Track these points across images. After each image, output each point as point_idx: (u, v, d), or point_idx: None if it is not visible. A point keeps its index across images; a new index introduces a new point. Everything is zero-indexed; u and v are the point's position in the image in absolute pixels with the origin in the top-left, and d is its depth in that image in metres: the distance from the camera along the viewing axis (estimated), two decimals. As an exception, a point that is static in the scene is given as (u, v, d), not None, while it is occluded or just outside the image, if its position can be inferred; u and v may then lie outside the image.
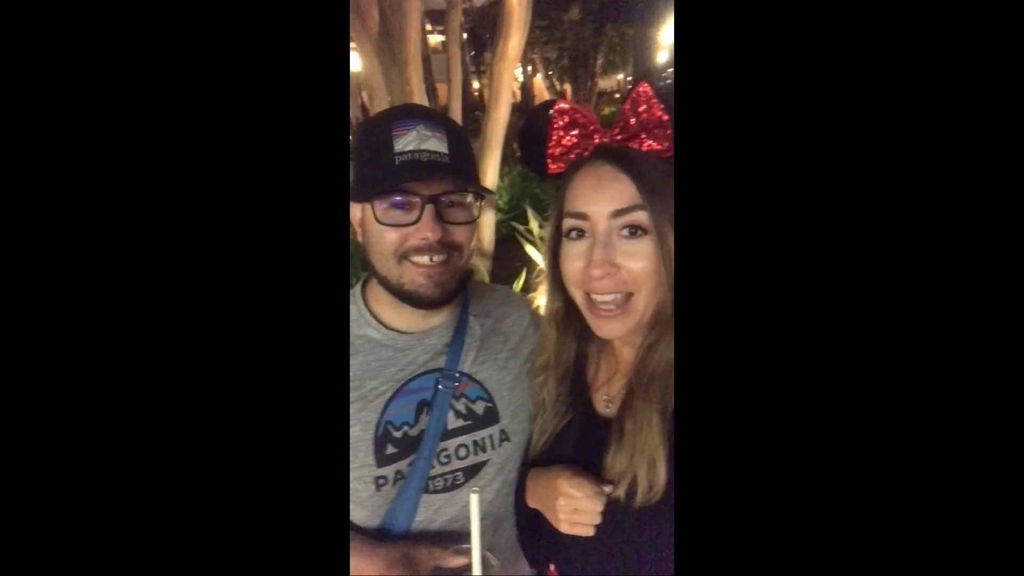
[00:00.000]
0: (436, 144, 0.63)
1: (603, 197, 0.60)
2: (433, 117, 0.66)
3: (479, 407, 0.73)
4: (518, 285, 2.73)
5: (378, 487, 0.68)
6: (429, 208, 0.63)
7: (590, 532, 0.61)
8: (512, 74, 2.70)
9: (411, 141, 0.62)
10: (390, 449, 0.68)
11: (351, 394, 0.68)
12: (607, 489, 0.60)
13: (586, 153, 0.65)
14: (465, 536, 0.61)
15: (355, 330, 0.72)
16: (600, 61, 10.12)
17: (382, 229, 0.64)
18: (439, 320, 0.73)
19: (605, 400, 0.69)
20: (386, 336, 0.71)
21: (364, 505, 0.69)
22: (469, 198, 0.67)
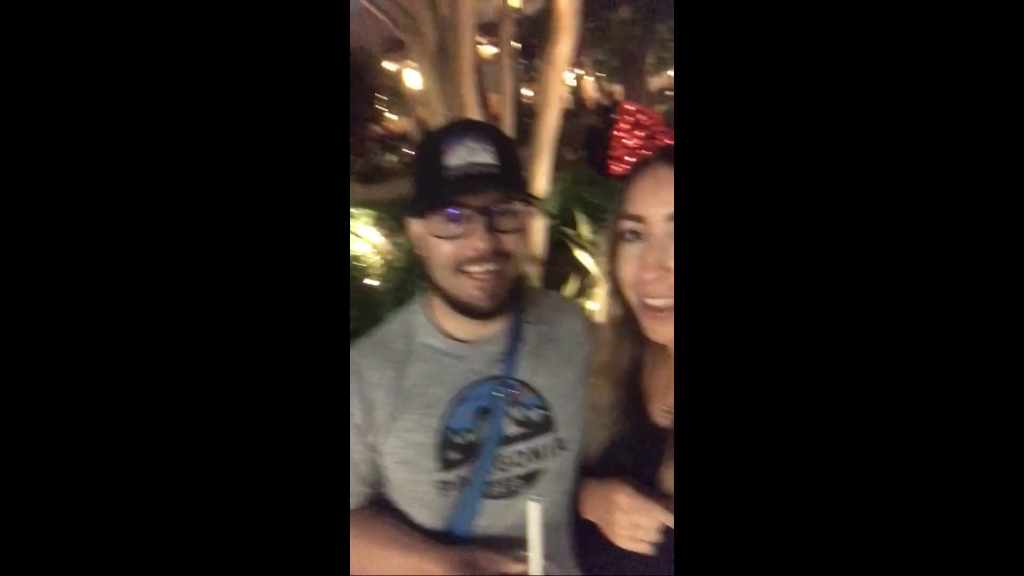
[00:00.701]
0: (485, 156, 0.66)
1: (659, 199, 0.60)
2: (481, 130, 0.69)
3: (535, 415, 0.74)
4: (568, 290, 2.73)
5: (441, 491, 0.71)
6: (481, 219, 0.66)
7: (649, 549, 0.61)
8: (562, 79, 2.71)
9: (461, 156, 0.66)
10: (452, 454, 0.71)
11: (416, 401, 0.72)
12: (668, 520, 0.59)
13: (649, 154, 0.65)
14: (524, 542, 0.61)
15: (418, 338, 0.75)
16: (651, 60, 9.89)
17: (438, 242, 0.68)
18: (496, 328, 0.75)
19: (664, 411, 0.68)
20: (446, 344, 0.74)
21: (428, 507, 0.72)
22: (519, 206, 0.69)
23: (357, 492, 0.75)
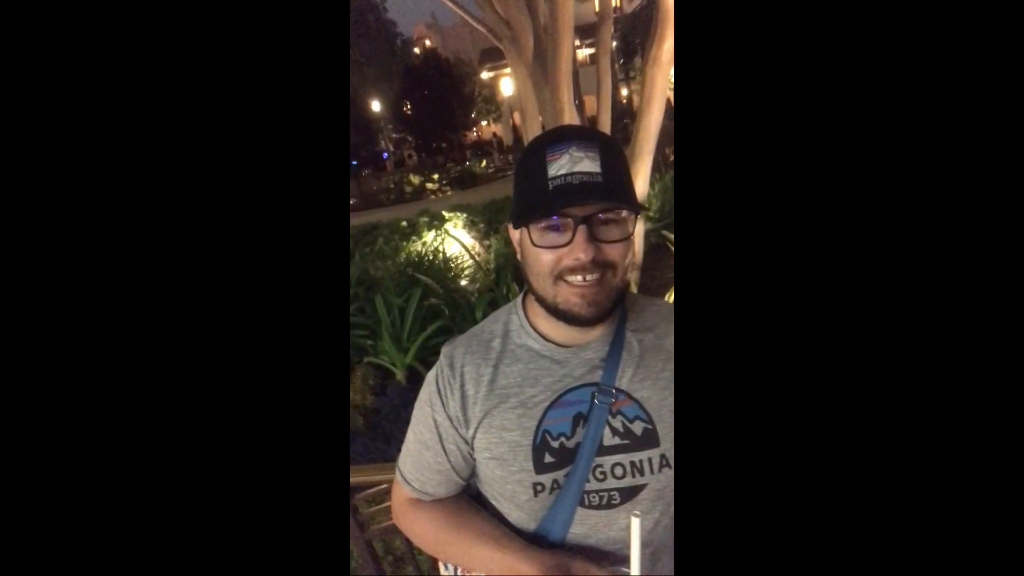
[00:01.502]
0: (588, 164, 0.64)
1: None
2: (585, 137, 0.67)
3: (637, 427, 0.71)
4: (669, 298, 2.60)
5: (535, 493, 0.70)
6: (582, 229, 0.63)
7: None
8: (666, 78, 2.60)
9: (564, 165, 0.64)
10: (548, 458, 0.70)
11: (511, 400, 0.71)
12: None
13: None
14: (622, 559, 0.59)
15: (515, 339, 0.75)
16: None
17: (538, 251, 0.66)
18: (596, 334, 0.73)
19: None
20: (544, 347, 0.73)
21: (522, 508, 0.71)
22: (624, 214, 0.66)
23: (451, 482, 0.76)
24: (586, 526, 0.69)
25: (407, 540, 0.83)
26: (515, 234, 0.72)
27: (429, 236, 6.00)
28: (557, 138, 0.67)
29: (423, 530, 0.77)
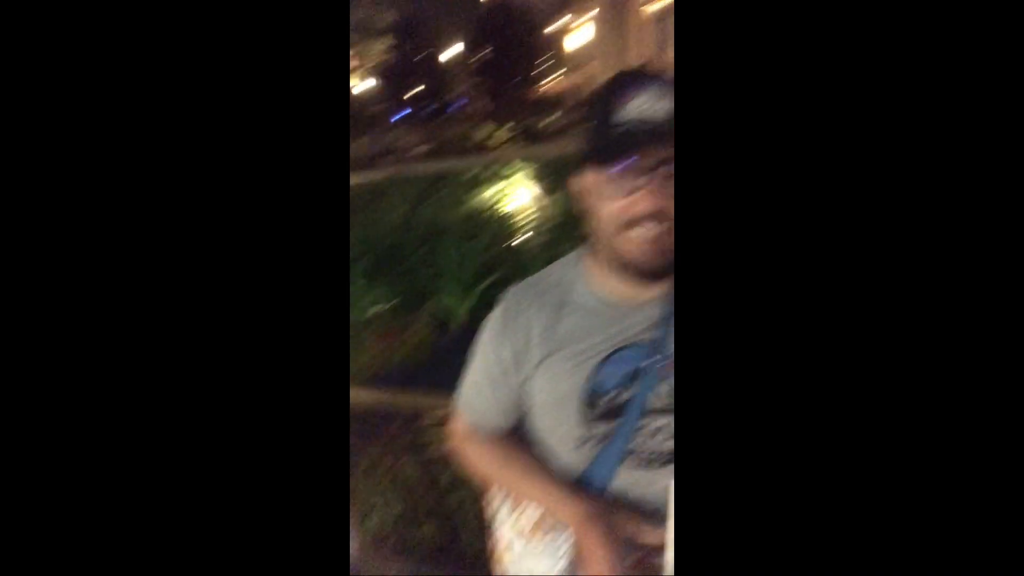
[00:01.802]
0: (662, 110, 0.62)
1: None
2: (658, 83, 0.64)
3: None
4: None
5: (581, 444, 0.73)
6: (651, 176, 0.63)
7: None
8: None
9: (634, 110, 0.62)
10: (596, 411, 0.72)
11: (566, 350, 0.74)
12: None
13: None
14: (661, 519, 0.61)
15: (573, 292, 0.77)
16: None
17: (605, 199, 0.66)
18: (654, 293, 0.73)
19: None
20: (600, 303, 0.75)
21: (568, 457, 0.76)
22: None
23: (506, 417, 0.81)
24: (627, 482, 0.71)
25: (458, 469, 0.91)
26: (583, 181, 0.71)
27: (494, 188, 6.02)
28: (629, 82, 0.64)
29: (478, 460, 0.84)
